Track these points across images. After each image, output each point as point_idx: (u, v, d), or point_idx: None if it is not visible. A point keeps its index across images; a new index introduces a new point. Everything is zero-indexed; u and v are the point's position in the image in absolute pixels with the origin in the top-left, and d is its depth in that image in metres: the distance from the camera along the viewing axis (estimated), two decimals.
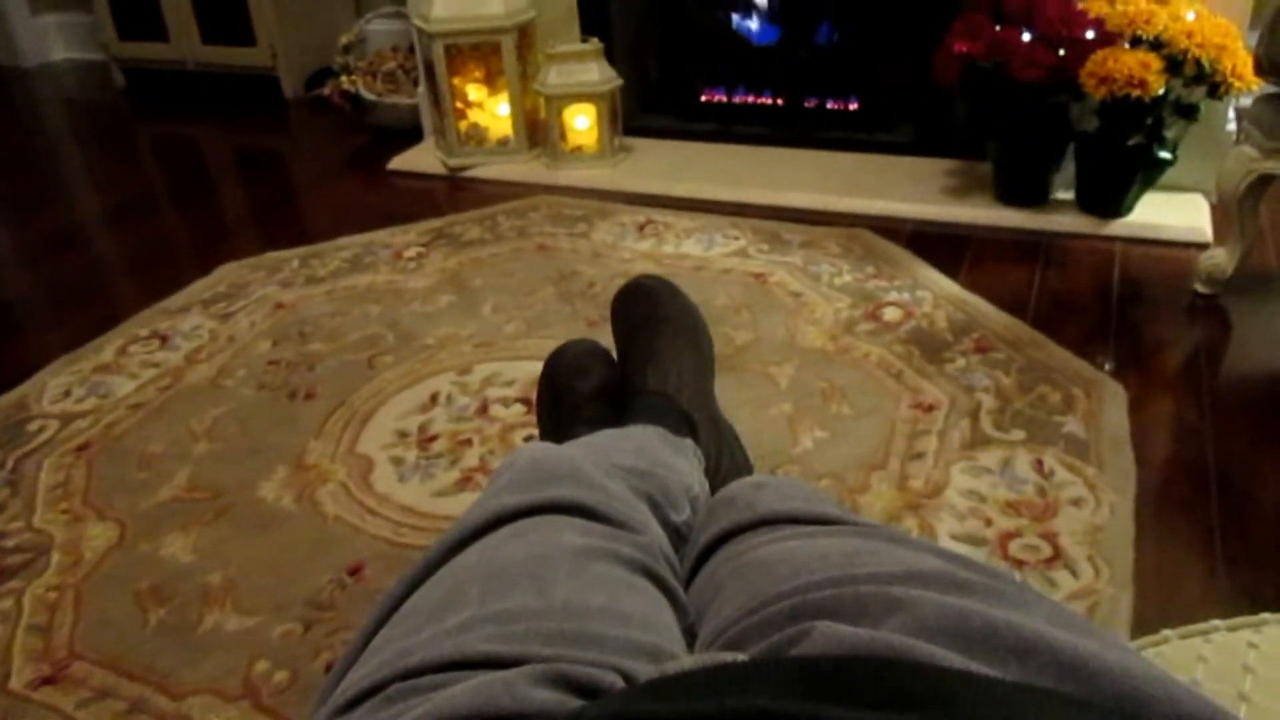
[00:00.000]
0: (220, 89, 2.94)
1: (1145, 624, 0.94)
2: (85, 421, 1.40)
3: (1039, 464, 1.18)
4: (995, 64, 1.69)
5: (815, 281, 1.65)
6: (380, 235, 1.94)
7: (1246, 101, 1.55)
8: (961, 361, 1.39)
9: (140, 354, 1.57)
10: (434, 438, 1.31)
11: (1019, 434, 1.23)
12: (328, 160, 2.43)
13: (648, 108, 2.35)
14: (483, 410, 1.36)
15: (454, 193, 2.17)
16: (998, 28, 1.72)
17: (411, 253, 1.86)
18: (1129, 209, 1.78)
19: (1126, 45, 1.63)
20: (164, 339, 1.61)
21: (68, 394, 1.47)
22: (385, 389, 1.43)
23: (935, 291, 1.59)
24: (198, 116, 2.82)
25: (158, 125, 2.80)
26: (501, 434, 1.30)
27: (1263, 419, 1.25)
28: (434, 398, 1.39)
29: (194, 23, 2.87)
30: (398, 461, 1.27)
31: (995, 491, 1.14)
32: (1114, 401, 1.29)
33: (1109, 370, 1.36)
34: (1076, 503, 1.12)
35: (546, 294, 1.67)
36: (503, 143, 2.27)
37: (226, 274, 1.82)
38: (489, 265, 1.79)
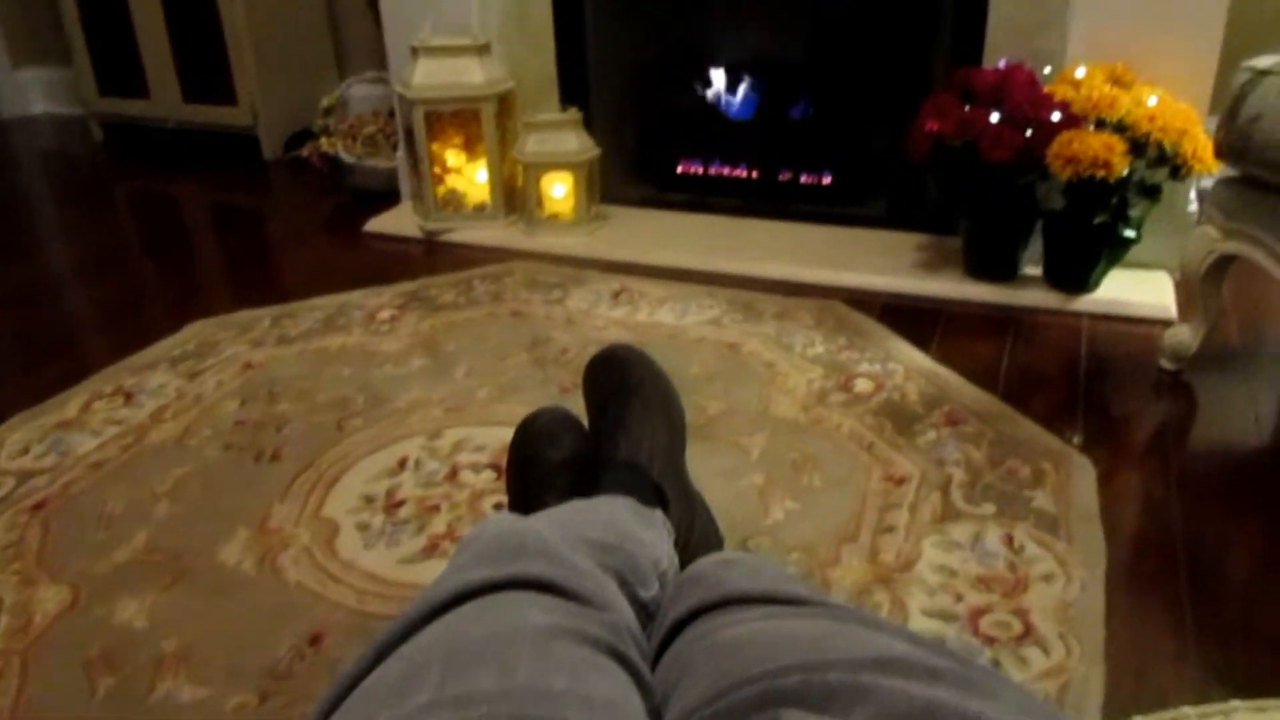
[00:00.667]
0: (199, 146, 2.95)
1: (1117, 703, 0.92)
2: (43, 479, 1.36)
3: (1009, 538, 1.17)
4: (965, 143, 1.71)
5: (788, 352, 1.65)
6: (354, 296, 1.93)
7: (1208, 183, 1.57)
8: (932, 434, 1.39)
9: (104, 411, 1.54)
10: (401, 503, 1.28)
11: (989, 508, 1.23)
12: (304, 220, 2.43)
13: (625, 177, 2.37)
14: (452, 476, 1.34)
15: (430, 256, 2.17)
16: (967, 108, 1.74)
17: (385, 315, 1.85)
18: (1096, 285, 1.80)
19: (1091, 128, 1.66)
20: (129, 396, 1.58)
21: (26, 450, 1.44)
22: (353, 452, 1.41)
23: (906, 364, 1.59)
24: (175, 173, 2.81)
25: (134, 180, 2.79)
26: (470, 500, 1.28)
27: (1229, 495, 1.25)
28: (403, 462, 1.37)
29: (176, 80, 2.89)
30: (363, 527, 1.24)
31: (966, 566, 1.13)
32: (1083, 476, 1.29)
33: (1078, 445, 1.36)
34: (1047, 578, 1.11)
35: (520, 359, 1.66)
36: (480, 208, 2.28)
37: (196, 331, 1.80)
38: (463, 329, 1.78)
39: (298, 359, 1.69)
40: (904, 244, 2.06)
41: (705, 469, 1.27)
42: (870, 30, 2.19)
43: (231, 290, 2.01)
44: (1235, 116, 1.34)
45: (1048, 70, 1.81)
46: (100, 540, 1.24)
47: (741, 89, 2.38)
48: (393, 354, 1.69)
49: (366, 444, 1.42)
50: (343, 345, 1.73)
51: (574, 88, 2.29)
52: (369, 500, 1.29)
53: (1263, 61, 1.34)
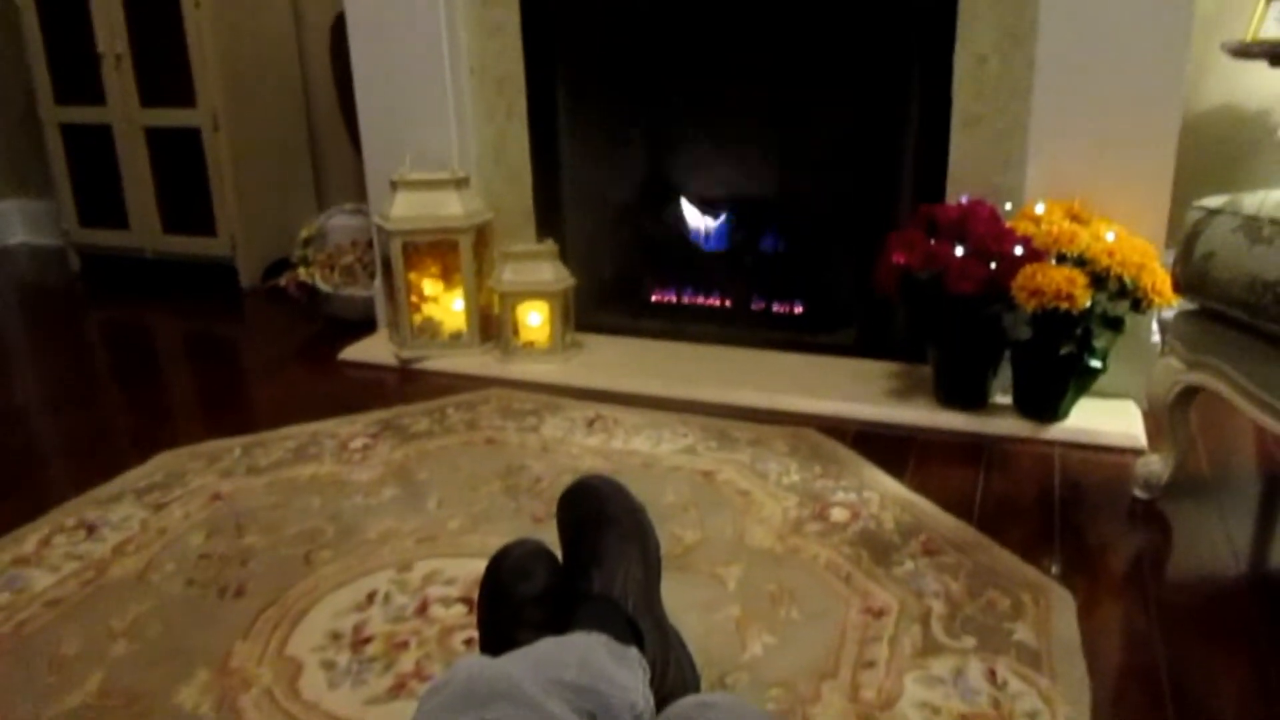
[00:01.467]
0: (176, 275, 2.95)
1: None
2: None
3: (992, 673, 1.15)
4: (931, 275, 1.74)
5: (763, 480, 1.64)
6: (327, 425, 1.91)
7: (1169, 314, 1.61)
8: (910, 564, 1.37)
9: (64, 545, 1.49)
10: (369, 639, 1.24)
11: (970, 641, 1.21)
12: (279, 349, 2.43)
13: (600, 305, 2.39)
14: (422, 610, 1.30)
15: (405, 384, 2.17)
16: (932, 241, 1.78)
17: (358, 443, 1.83)
18: (1065, 414, 1.82)
19: (1053, 261, 1.70)
20: (91, 529, 1.54)
21: None
22: (321, 586, 1.37)
23: (881, 492, 1.59)
24: (151, 302, 2.81)
25: (110, 309, 2.78)
26: (440, 636, 1.25)
27: (1210, 624, 1.24)
28: (371, 596, 1.34)
29: (156, 212, 2.92)
30: (329, 665, 1.20)
31: (949, 703, 1.10)
32: (1063, 607, 1.27)
33: (1055, 575, 1.35)
34: (1032, 716, 1.08)
35: (493, 488, 1.64)
36: (456, 336, 2.29)
37: (164, 462, 1.77)
38: (436, 458, 1.77)
39: (267, 489, 1.66)
40: (875, 372, 2.08)
41: (681, 601, 1.24)
42: (837, 167, 2.27)
43: (203, 420, 1.99)
44: (1190, 253, 1.39)
45: (1009, 206, 1.87)
46: (52, 683, 1.18)
47: (714, 221, 2.43)
48: (364, 484, 1.67)
49: (334, 577, 1.39)
50: (314, 475, 1.71)
51: (550, 219, 2.33)
52: (335, 637, 1.25)
53: (1213, 201, 1.39)
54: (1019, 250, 1.72)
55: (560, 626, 0.90)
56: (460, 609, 1.30)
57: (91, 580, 1.40)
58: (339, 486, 1.66)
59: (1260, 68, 1.94)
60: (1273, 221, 1.27)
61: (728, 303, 2.37)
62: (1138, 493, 1.57)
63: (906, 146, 2.03)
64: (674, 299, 2.42)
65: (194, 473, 1.72)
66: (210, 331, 2.59)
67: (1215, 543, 1.44)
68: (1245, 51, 1.87)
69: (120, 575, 1.41)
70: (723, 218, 2.42)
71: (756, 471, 1.68)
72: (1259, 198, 1.33)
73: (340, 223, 2.71)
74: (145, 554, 1.47)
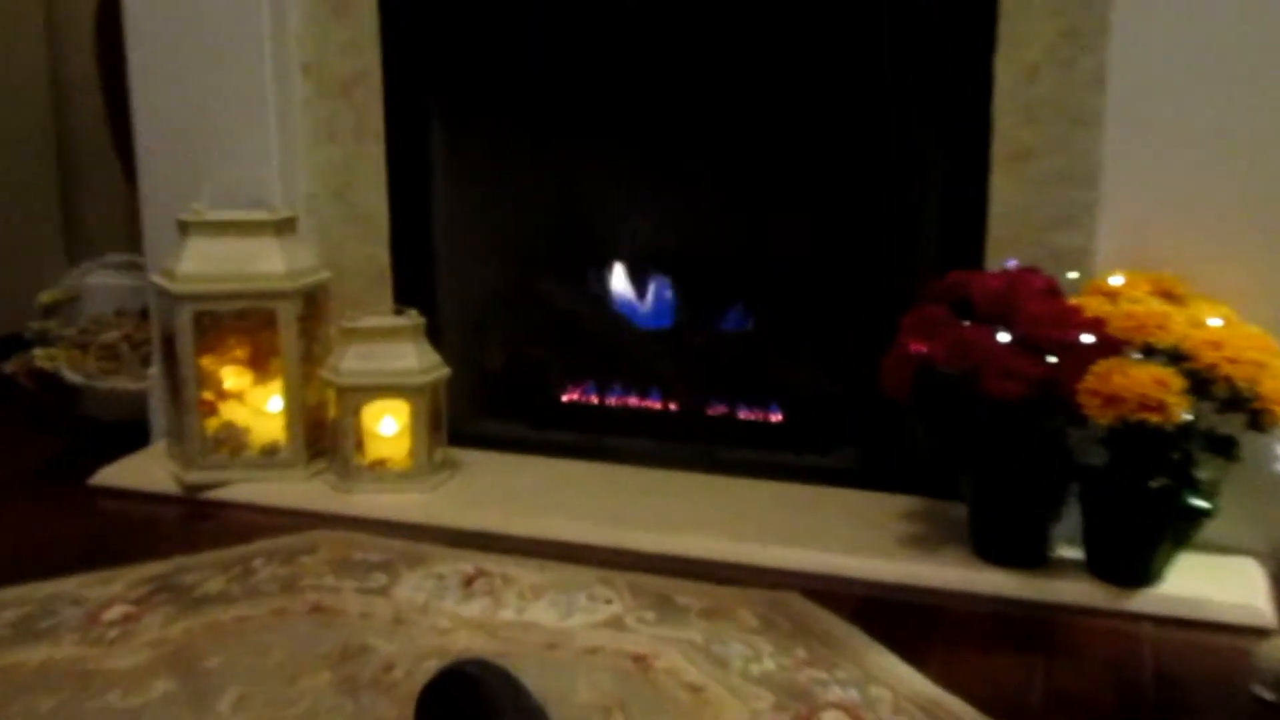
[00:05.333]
0: None
1: None
2: None
3: None
4: (962, 372, 1.74)
5: (722, 669, 1.62)
6: (69, 585, 1.86)
7: None
8: None
9: None
10: None
11: None
12: (3, 471, 2.37)
13: (486, 408, 2.39)
14: None
15: (191, 523, 2.13)
16: (965, 324, 1.78)
17: (115, 613, 1.78)
18: (1159, 576, 1.81)
19: (1137, 355, 1.72)
20: None
21: None
22: None
23: (895, 688, 1.57)
24: None
25: None
26: None
27: None
28: None
29: None
30: None
31: None
32: None
33: None
34: None
35: (319, 681, 1.60)
36: (270, 451, 2.26)
37: None
38: (234, 635, 1.72)
39: None
40: (885, 510, 2.07)
41: None
42: (829, 214, 2.30)
43: None
44: None
45: (1073, 276, 1.88)
46: None
47: (653, 287, 2.46)
48: (124, 675, 1.61)
49: None
50: (46, 662, 1.65)
51: (415, 281, 2.34)
52: None
53: None
54: (1087, 339, 1.73)
55: None
56: None
57: None
58: (84, 680, 1.60)
59: None
60: None
61: (671, 406, 2.38)
62: (1260, 691, 1.56)
63: (929, 190, 2.07)
64: (594, 399, 2.42)
65: None
66: None
67: None
68: None
69: None
70: (666, 284, 2.44)
71: (713, 657, 1.65)
72: None
73: (101, 282, 2.68)
74: None
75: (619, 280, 2.49)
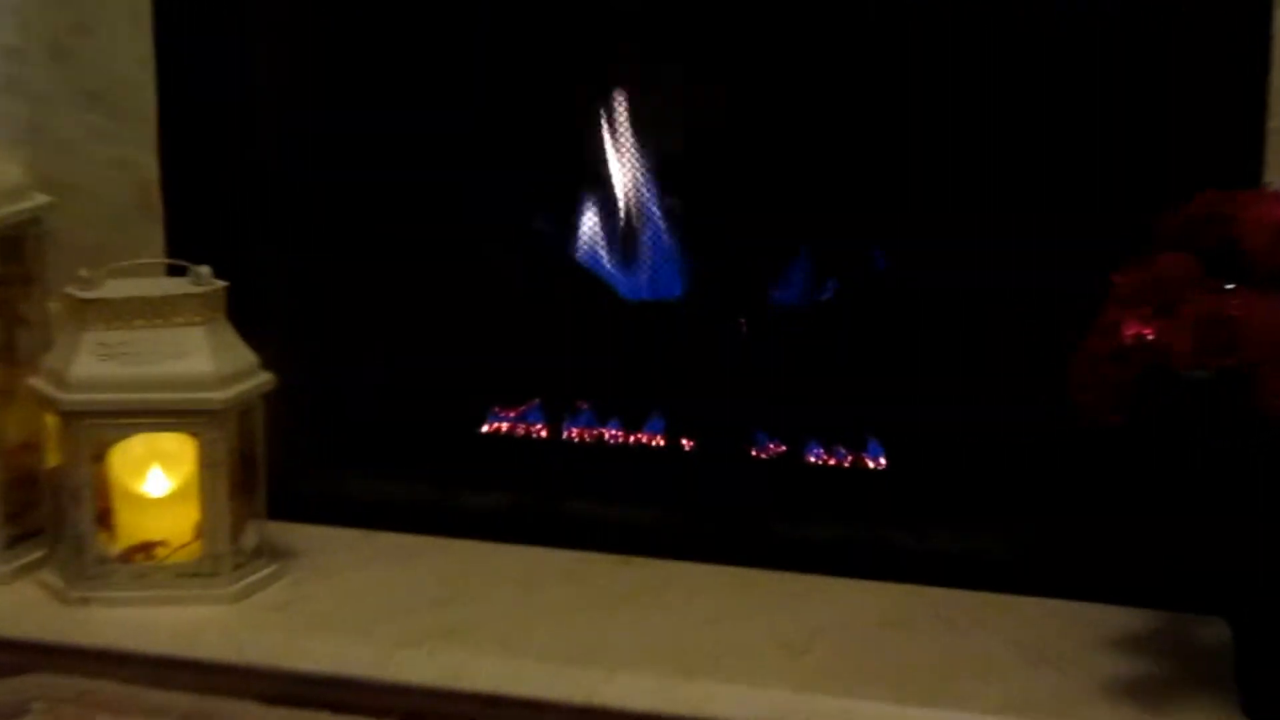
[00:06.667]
0: None
1: None
2: None
3: None
4: (1222, 372, 1.57)
5: None
6: None
7: None
8: None
9: None
10: None
11: None
12: None
13: (345, 453, 2.12)
14: None
15: None
16: (1230, 287, 1.61)
17: None
18: None
19: None
20: None
21: None
22: None
23: None
24: None
25: None
26: None
27: None
28: None
29: None
30: None
31: None
32: None
33: None
34: None
35: None
36: None
37: None
38: None
39: None
40: (1075, 628, 1.85)
41: None
42: (988, 109, 1.99)
43: None
44: None
45: None
46: None
47: (650, 226, 2.16)
48: None
49: None
50: None
51: (209, 214, 2.01)
52: None
53: None
54: None
55: None
56: None
57: None
58: None
59: None
60: None
61: (682, 441, 2.09)
62: None
63: (1168, 64, 1.82)
64: (540, 430, 2.15)
65: None
66: None
67: None
68: None
69: None
70: (674, 217, 2.11)
71: None
72: None
73: None
74: None
75: (590, 213, 2.12)
